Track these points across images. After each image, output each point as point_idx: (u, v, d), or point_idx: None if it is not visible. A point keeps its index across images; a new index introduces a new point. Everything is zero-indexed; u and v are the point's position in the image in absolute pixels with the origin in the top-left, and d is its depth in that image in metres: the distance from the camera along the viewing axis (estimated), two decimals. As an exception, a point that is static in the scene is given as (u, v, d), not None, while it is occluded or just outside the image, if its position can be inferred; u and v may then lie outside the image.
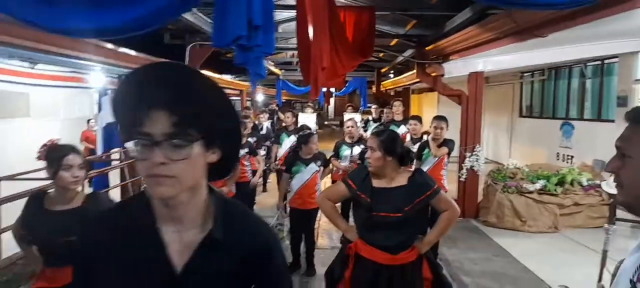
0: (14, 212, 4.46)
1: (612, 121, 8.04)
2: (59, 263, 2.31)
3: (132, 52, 5.78)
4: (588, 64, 8.82)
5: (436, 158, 4.68)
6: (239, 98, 14.58)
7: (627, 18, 4.59)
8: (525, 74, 11.19)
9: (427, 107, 15.21)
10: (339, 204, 2.94)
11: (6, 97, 8.36)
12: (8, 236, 4.48)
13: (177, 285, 1.02)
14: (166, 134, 0.94)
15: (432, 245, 2.67)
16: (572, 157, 9.09)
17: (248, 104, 14.15)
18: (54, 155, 2.30)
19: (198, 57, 6.72)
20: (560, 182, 6.38)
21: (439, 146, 4.70)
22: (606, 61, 8.31)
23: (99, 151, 6.39)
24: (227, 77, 12.14)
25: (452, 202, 2.64)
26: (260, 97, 18.41)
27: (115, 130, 6.56)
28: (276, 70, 14.27)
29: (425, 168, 4.48)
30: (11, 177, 5.00)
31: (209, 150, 1.02)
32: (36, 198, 2.37)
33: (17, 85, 8.25)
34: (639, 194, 1.07)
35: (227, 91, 9.97)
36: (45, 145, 2.43)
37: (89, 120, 10.12)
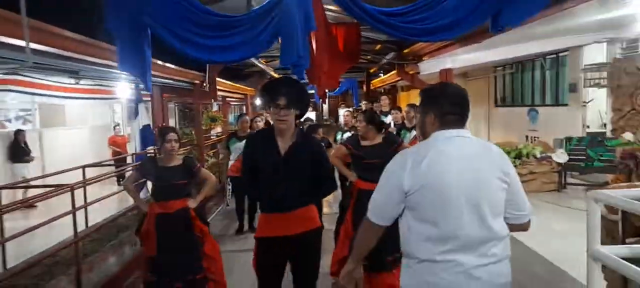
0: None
1: (566, 105, 9.45)
2: (166, 197, 3.65)
3: (170, 65, 7.02)
4: (546, 57, 10.21)
5: (412, 137, 6.06)
6: (243, 102, 15.94)
7: (565, 17, 5.63)
8: (498, 68, 12.58)
9: (415, 102, 16.58)
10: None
11: (47, 109, 9.71)
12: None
13: (281, 162, 2.50)
14: (284, 105, 2.42)
15: None
16: (538, 138, 10.47)
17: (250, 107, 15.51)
18: (161, 133, 3.68)
19: (215, 68, 8.05)
20: (518, 155, 7.79)
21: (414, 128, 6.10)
22: (560, 54, 9.67)
23: (138, 148, 7.68)
24: (237, 83, 13.51)
25: None
26: (258, 101, 19.74)
27: (151, 132, 7.90)
28: (276, 75, 15.58)
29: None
30: (98, 164, 6.41)
31: (296, 111, 2.51)
32: (151, 160, 3.73)
33: (56, 98, 9.54)
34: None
35: (236, 95, 11.52)
36: (157, 127, 3.82)
37: (115, 127, 11.45)
